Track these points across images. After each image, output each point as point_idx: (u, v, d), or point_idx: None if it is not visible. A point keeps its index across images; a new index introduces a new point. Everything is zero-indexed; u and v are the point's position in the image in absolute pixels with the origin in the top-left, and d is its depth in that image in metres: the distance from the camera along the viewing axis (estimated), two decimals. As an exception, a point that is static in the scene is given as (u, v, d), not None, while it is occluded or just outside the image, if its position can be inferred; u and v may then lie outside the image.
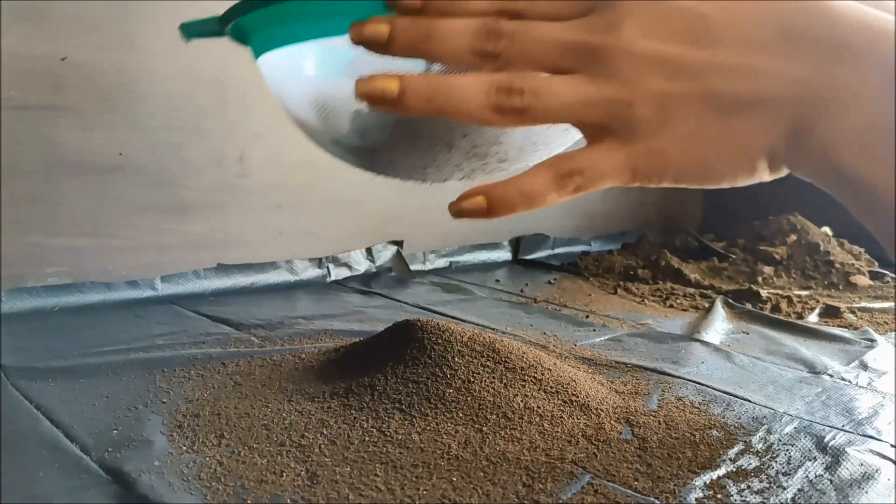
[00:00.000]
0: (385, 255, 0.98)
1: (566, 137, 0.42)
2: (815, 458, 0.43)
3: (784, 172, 0.29)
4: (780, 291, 0.96)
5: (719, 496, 0.38)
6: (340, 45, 0.35)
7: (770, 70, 0.26)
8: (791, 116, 0.26)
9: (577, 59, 0.28)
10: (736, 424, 0.48)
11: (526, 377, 0.49)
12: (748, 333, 0.75)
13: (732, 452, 0.43)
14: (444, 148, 0.39)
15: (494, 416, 0.45)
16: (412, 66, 0.33)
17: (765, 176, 0.29)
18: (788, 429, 0.48)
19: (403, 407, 0.45)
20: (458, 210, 0.29)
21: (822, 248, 1.12)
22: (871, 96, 0.25)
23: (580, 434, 0.44)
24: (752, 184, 0.29)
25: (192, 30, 0.48)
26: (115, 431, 0.42)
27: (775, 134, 0.27)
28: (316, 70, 0.39)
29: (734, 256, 1.17)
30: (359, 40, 0.28)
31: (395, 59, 0.30)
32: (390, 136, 0.39)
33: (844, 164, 0.26)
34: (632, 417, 0.48)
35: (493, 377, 0.48)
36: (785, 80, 0.26)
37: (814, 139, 0.26)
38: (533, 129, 0.39)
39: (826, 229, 1.20)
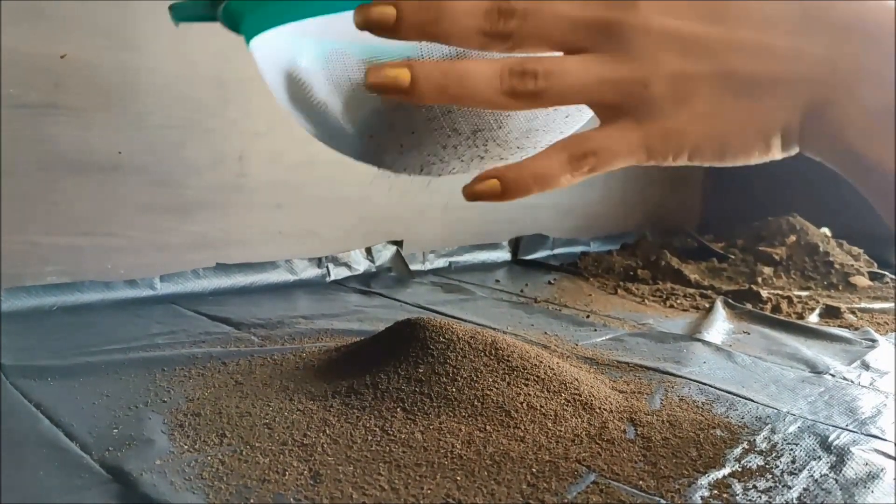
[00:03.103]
0: (385, 254, 0.98)
1: (568, 124, 0.41)
2: (819, 458, 0.43)
3: (795, 150, 0.28)
4: (780, 292, 0.96)
5: (725, 495, 0.38)
6: (336, 24, 0.34)
7: (787, 49, 0.26)
8: (807, 96, 0.26)
9: (591, 37, 0.27)
10: (739, 424, 0.48)
11: (528, 376, 0.48)
12: (749, 333, 0.75)
13: (737, 452, 0.43)
14: (444, 134, 0.38)
15: (497, 415, 0.44)
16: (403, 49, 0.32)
17: (777, 154, 0.28)
18: (792, 428, 0.48)
19: (406, 406, 0.45)
20: (471, 193, 0.28)
21: (821, 249, 1.12)
22: (887, 78, 0.25)
23: (584, 433, 0.44)
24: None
25: (183, 12, 0.46)
26: (115, 430, 0.42)
27: (791, 112, 0.27)
28: (310, 53, 0.37)
29: (734, 257, 1.17)
30: (365, 25, 0.27)
31: (401, 42, 0.29)
32: (388, 122, 0.38)
33: (857, 145, 0.26)
34: (635, 417, 0.47)
35: (496, 376, 0.48)
36: (802, 60, 0.26)
37: (828, 119, 0.26)
38: (535, 114, 0.38)
39: (825, 230, 1.20)
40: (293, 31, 0.37)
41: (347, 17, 0.28)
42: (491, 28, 0.27)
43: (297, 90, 0.40)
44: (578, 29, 0.27)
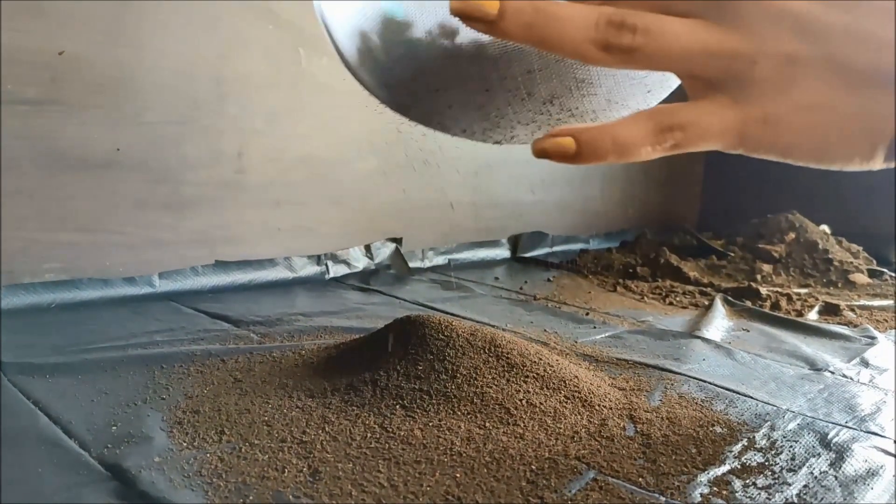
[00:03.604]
0: (384, 252, 0.98)
1: (649, 100, 0.38)
2: (819, 455, 0.43)
3: (893, 164, 0.26)
4: (779, 289, 0.96)
5: (724, 492, 0.38)
6: None
7: None
8: None
9: (700, 2, 0.25)
10: (739, 421, 0.48)
11: (528, 373, 0.48)
12: (748, 331, 0.75)
13: (736, 449, 0.43)
14: (518, 96, 0.35)
15: (497, 412, 0.44)
16: None
17: (878, 164, 0.26)
18: (792, 425, 0.48)
19: (405, 403, 0.45)
20: (541, 149, 0.26)
21: (820, 246, 1.12)
22: None
23: (583, 430, 0.44)
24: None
25: None
26: (114, 428, 0.42)
27: None
28: (384, 4, 0.34)
29: (733, 254, 1.17)
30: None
31: None
32: (461, 76, 0.35)
33: None
34: (635, 414, 0.47)
35: (495, 373, 0.47)
36: None
37: None
38: (617, 84, 0.36)
39: (824, 227, 1.20)
40: None
41: None
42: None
43: (368, 45, 0.37)
44: None
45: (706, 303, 0.87)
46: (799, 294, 0.94)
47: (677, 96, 0.30)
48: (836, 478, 0.40)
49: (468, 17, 0.25)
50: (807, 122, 0.25)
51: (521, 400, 0.46)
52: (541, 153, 0.26)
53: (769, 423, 0.48)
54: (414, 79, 0.37)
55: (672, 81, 0.39)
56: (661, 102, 0.39)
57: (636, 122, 0.25)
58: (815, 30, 0.24)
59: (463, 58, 0.34)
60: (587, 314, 0.79)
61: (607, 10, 0.25)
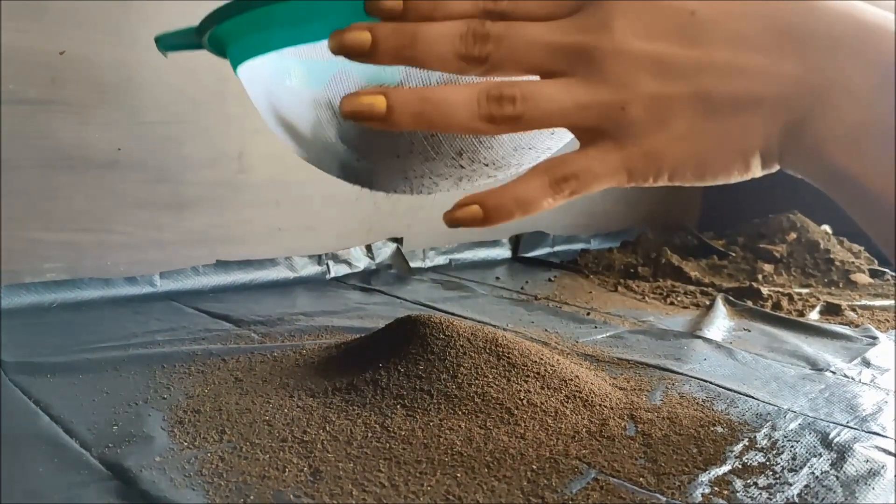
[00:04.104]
0: (385, 251, 0.98)
1: (554, 140, 0.41)
2: (820, 455, 0.43)
3: (776, 168, 0.28)
4: (780, 289, 0.96)
5: (725, 492, 0.38)
6: (318, 52, 0.34)
7: (762, 68, 0.26)
8: (784, 114, 0.26)
9: (567, 61, 0.27)
10: (740, 421, 0.48)
11: (528, 373, 0.48)
12: (749, 331, 0.75)
13: (737, 449, 0.43)
14: (428, 157, 0.38)
15: (497, 412, 0.44)
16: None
17: (758, 172, 0.28)
18: (793, 425, 0.48)
19: (406, 402, 0.45)
20: (452, 219, 0.28)
21: (821, 246, 1.12)
22: (864, 94, 0.25)
23: (584, 430, 0.44)
24: (747, 180, 0.29)
25: (169, 42, 0.47)
26: (115, 427, 0.42)
27: (769, 131, 0.27)
28: (294, 79, 0.38)
29: (734, 254, 1.17)
30: (340, 50, 0.28)
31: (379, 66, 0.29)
32: (372, 147, 0.38)
33: (836, 162, 0.26)
34: (635, 414, 0.47)
35: (496, 373, 0.47)
36: (777, 78, 0.26)
37: (807, 137, 0.26)
38: (520, 133, 0.38)
39: (826, 227, 1.20)
40: (277, 59, 0.37)
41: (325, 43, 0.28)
42: (466, 52, 0.27)
43: (284, 115, 0.40)
44: (553, 53, 0.27)
45: (707, 303, 0.87)
46: (800, 294, 0.93)
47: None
48: (837, 478, 0.40)
49: (359, 118, 0.27)
50: (683, 150, 0.27)
51: (521, 400, 0.46)
52: (452, 223, 0.28)
53: (770, 422, 0.48)
54: (330, 149, 0.40)
55: None
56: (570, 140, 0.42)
57: (531, 178, 0.28)
58: (672, 69, 0.26)
59: (369, 133, 0.37)
60: (588, 314, 0.79)
61: (485, 85, 0.27)
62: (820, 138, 0.26)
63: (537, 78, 0.28)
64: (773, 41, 0.26)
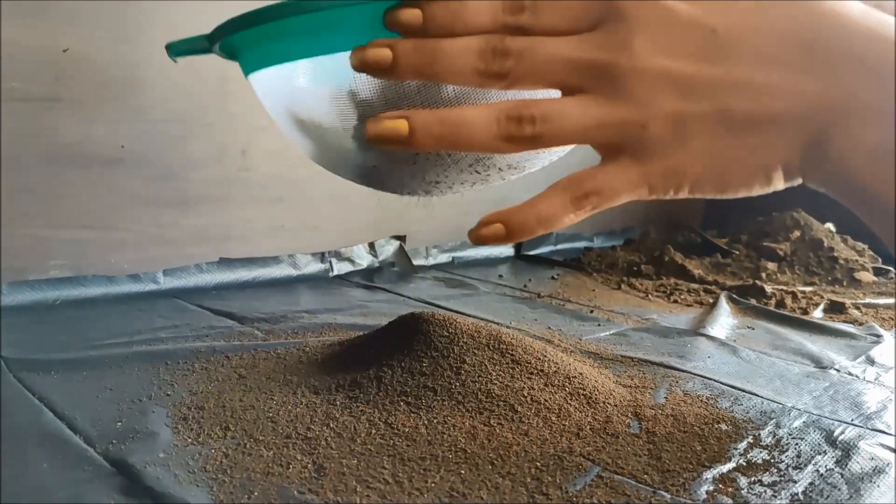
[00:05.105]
0: (388, 249, 0.98)
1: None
2: (825, 452, 0.43)
3: (798, 181, 0.28)
4: (784, 287, 0.96)
5: (730, 489, 0.38)
6: (334, 62, 0.34)
7: (784, 86, 0.26)
8: (806, 131, 0.26)
9: (586, 78, 0.27)
10: (744, 418, 0.48)
11: (532, 370, 0.48)
12: (753, 328, 0.75)
13: (742, 446, 0.43)
14: (445, 164, 0.38)
15: (501, 409, 0.44)
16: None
17: (780, 185, 0.28)
18: (797, 423, 0.47)
19: (410, 399, 0.45)
20: (477, 237, 0.29)
21: (825, 244, 1.12)
22: (886, 111, 0.25)
23: (588, 427, 0.44)
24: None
25: (179, 49, 0.47)
26: (119, 423, 0.42)
27: (791, 148, 0.27)
28: (310, 88, 0.38)
29: (737, 252, 1.16)
30: (361, 67, 0.28)
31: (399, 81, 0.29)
32: (389, 155, 0.38)
33: (859, 179, 0.26)
34: (639, 411, 0.47)
35: (500, 369, 0.47)
36: (799, 96, 0.26)
37: (829, 152, 0.26)
38: None
39: (829, 225, 1.20)
40: (293, 68, 0.37)
41: (344, 56, 0.29)
42: (486, 67, 0.27)
43: (299, 124, 0.40)
44: (573, 70, 0.27)
45: (711, 300, 0.87)
46: (804, 292, 0.93)
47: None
48: (842, 475, 0.40)
49: (383, 142, 0.28)
50: (704, 166, 0.27)
51: (525, 397, 0.45)
52: (477, 241, 0.29)
53: (774, 420, 0.48)
54: (344, 157, 0.40)
55: None
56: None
57: (553, 195, 0.28)
58: (693, 87, 0.26)
59: None
60: (591, 312, 0.79)
61: (505, 105, 0.27)
62: (842, 154, 0.26)
63: (557, 93, 0.28)
64: (795, 58, 0.26)
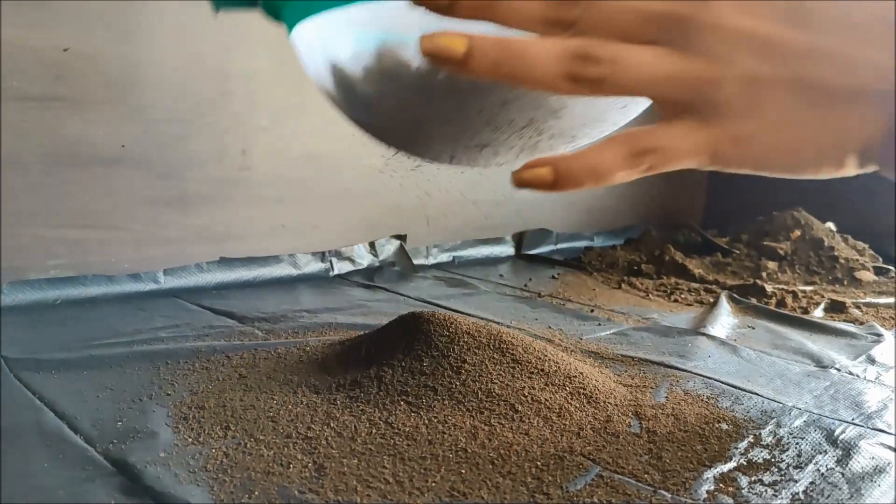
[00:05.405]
0: (388, 249, 0.98)
1: (625, 114, 0.39)
2: (825, 452, 0.43)
3: (871, 169, 0.27)
4: (784, 286, 0.96)
5: (731, 489, 0.38)
6: (385, 11, 0.32)
7: (872, 60, 0.24)
8: (890, 111, 0.24)
9: (661, 31, 0.25)
10: (745, 418, 0.48)
11: (533, 370, 0.48)
12: (754, 328, 0.75)
13: (742, 446, 0.43)
14: (496, 126, 0.36)
15: (502, 408, 0.44)
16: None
17: (851, 171, 0.27)
18: (798, 422, 0.47)
19: (410, 399, 0.45)
20: (520, 180, 0.26)
21: (826, 244, 1.12)
22: None
23: (588, 427, 0.44)
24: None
25: (223, 2, 0.45)
26: (119, 423, 0.42)
27: (871, 129, 0.25)
28: (357, 42, 0.35)
29: (738, 252, 1.16)
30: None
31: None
32: (439, 112, 0.36)
33: None
34: (640, 410, 0.47)
35: (500, 369, 0.47)
36: (886, 73, 0.24)
37: None
38: (592, 104, 0.36)
39: (830, 225, 1.20)
40: (338, 19, 0.35)
41: (396, 3, 0.27)
42: (553, 15, 0.26)
43: (343, 82, 0.38)
44: (647, 20, 0.26)
45: (711, 300, 0.87)
46: (804, 291, 0.93)
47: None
48: (842, 475, 0.40)
49: (437, 58, 0.26)
50: (775, 138, 0.25)
51: (526, 396, 0.45)
52: (520, 183, 0.27)
53: (775, 419, 0.48)
54: (394, 114, 0.38)
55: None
56: (637, 116, 0.40)
57: (610, 148, 0.26)
58: (777, 51, 0.25)
59: (439, 92, 0.35)
60: (592, 311, 0.79)
61: (572, 43, 0.25)
62: None
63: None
64: (887, 32, 0.24)
